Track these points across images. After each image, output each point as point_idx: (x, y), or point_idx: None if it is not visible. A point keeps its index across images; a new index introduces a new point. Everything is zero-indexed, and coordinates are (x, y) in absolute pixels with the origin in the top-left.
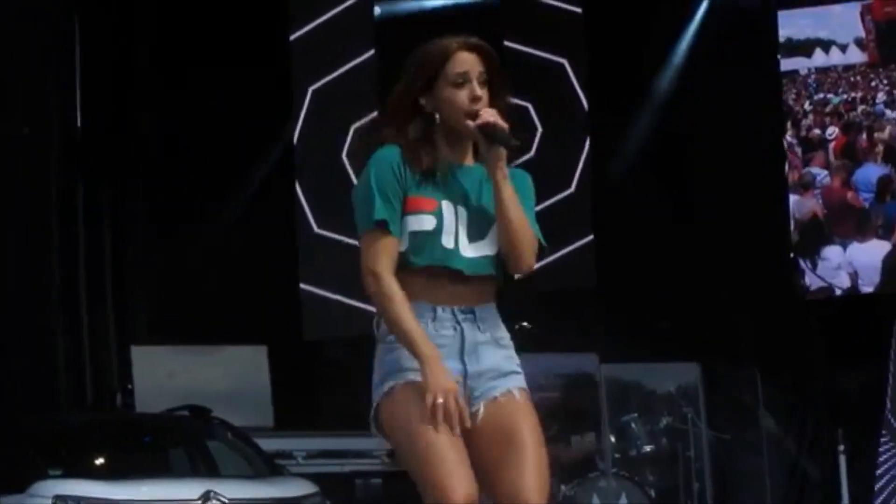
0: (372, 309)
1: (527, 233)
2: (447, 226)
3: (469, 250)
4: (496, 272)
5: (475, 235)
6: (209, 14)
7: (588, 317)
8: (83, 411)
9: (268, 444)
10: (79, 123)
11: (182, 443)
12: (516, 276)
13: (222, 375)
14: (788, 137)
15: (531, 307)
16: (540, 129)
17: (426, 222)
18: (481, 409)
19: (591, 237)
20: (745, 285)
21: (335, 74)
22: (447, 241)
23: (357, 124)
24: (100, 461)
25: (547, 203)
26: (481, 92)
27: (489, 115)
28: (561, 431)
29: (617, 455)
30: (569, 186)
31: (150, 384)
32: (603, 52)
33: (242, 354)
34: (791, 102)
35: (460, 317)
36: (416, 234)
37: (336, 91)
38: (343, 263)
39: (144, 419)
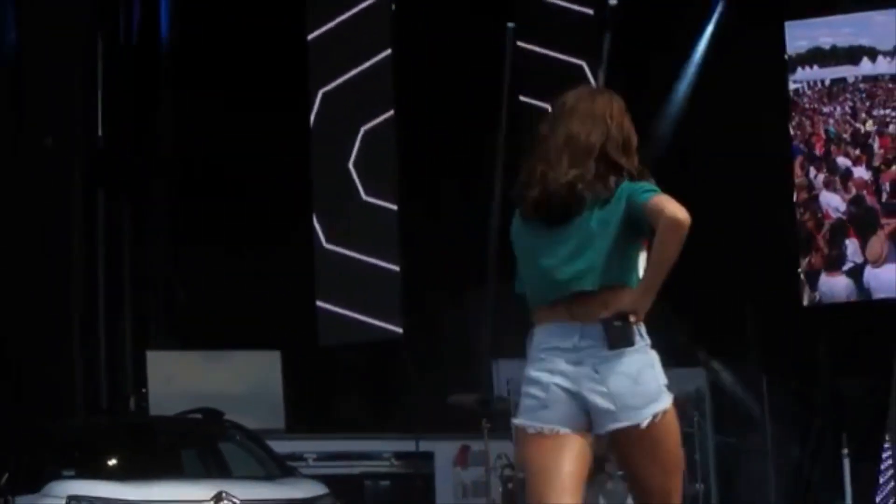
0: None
1: None
2: None
3: None
4: None
5: None
6: (228, 25)
7: None
8: (98, 415)
9: (279, 447)
10: (100, 133)
11: (195, 445)
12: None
13: (236, 380)
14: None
15: None
16: None
17: None
18: None
19: None
20: (751, 293)
21: (347, 76)
22: None
23: (367, 126)
24: (113, 462)
25: None
26: None
27: None
28: None
29: None
30: None
31: (165, 388)
32: (622, 56)
33: (256, 359)
34: (848, 115)
35: None
36: None
37: (348, 93)
38: (352, 278)
39: (157, 422)
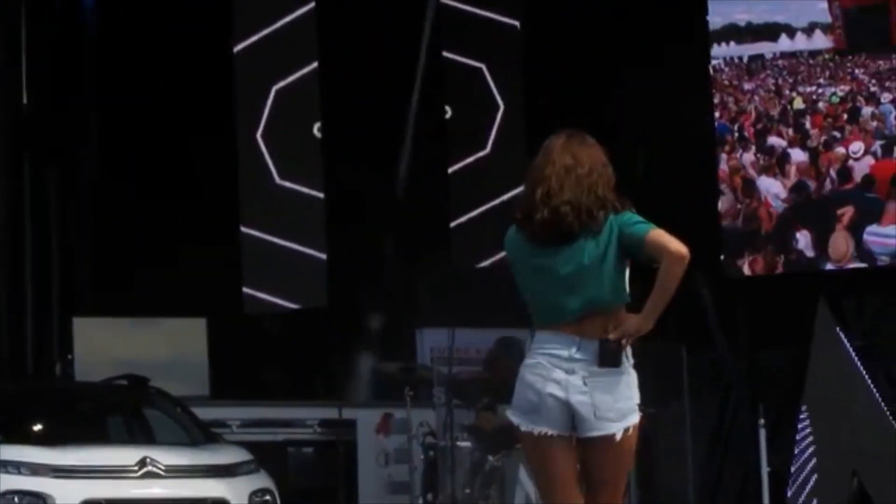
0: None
1: None
2: None
3: None
4: None
5: None
6: None
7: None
8: (24, 380)
9: (204, 413)
10: (25, 101)
11: (120, 411)
12: None
13: (161, 347)
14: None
15: (465, 282)
16: (502, 106)
17: None
18: None
19: None
20: None
21: (264, 33)
22: None
23: (279, 85)
24: (38, 428)
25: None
26: None
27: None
28: (490, 403)
29: None
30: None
31: (91, 354)
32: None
33: (182, 327)
34: (772, 91)
35: None
36: None
37: (262, 52)
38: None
39: (83, 388)
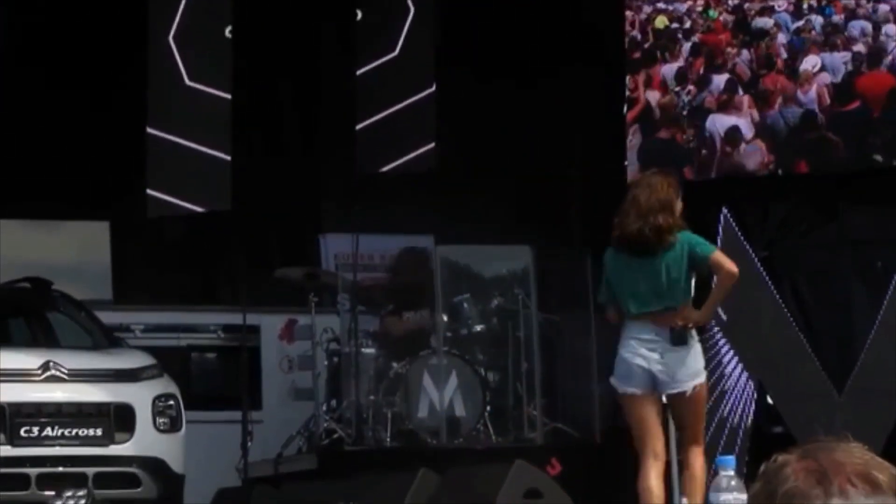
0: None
1: None
2: None
3: None
4: None
5: None
6: None
7: (426, 199)
8: None
9: (107, 318)
10: None
11: (23, 314)
12: None
13: (64, 249)
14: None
15: (372, 189)
16: (412, 9)
17: None
18: None
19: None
20: (576, 170)
21: None
22: None
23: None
24: None
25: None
26: None
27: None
28: (396, 309)
29: (449, 334)
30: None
31: None
32: None
33: (85, 229)
34: None
35: None
36: None
37: None
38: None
39: None
